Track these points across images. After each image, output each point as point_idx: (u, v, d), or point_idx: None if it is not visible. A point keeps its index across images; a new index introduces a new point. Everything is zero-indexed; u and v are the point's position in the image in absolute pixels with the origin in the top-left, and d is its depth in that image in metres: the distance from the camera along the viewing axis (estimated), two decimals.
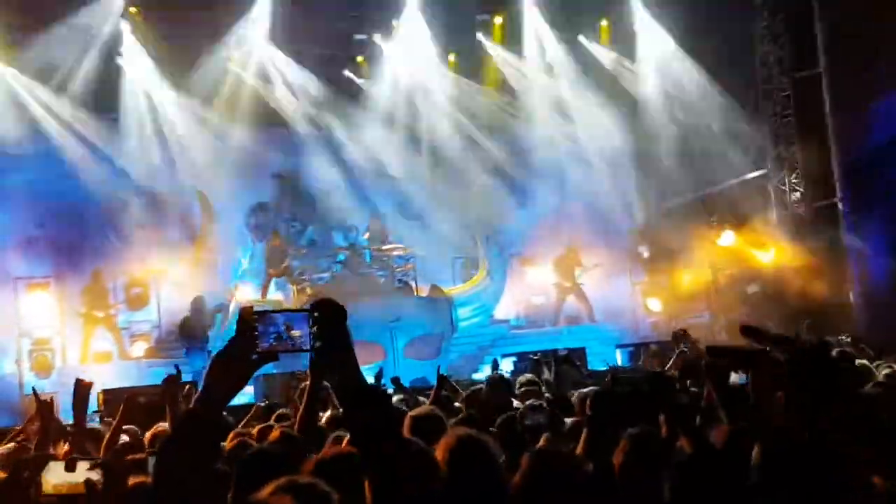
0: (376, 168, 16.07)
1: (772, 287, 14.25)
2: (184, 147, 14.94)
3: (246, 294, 15.30)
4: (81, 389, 4.97)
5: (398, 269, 15.33)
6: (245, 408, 9.23)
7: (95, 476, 3.50)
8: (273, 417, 5.82)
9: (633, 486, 3.00)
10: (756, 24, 15.59)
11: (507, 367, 12.94)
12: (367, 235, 15.85)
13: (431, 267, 15.71)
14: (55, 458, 4.10)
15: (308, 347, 2.04)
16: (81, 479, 3.71)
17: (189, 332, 13.63)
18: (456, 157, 15.99)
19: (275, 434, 4.11)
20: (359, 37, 15.83)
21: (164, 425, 5.41)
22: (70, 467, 3.69)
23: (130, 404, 5.47)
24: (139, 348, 14.56)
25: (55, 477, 3.73)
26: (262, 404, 7.61)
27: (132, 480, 3.21)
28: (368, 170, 16.10)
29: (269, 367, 11.25)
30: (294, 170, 16.47)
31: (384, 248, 15.40)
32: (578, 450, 3.15)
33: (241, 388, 2.08)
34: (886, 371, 5.91)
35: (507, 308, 16.07)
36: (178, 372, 5.06)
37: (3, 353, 13.94)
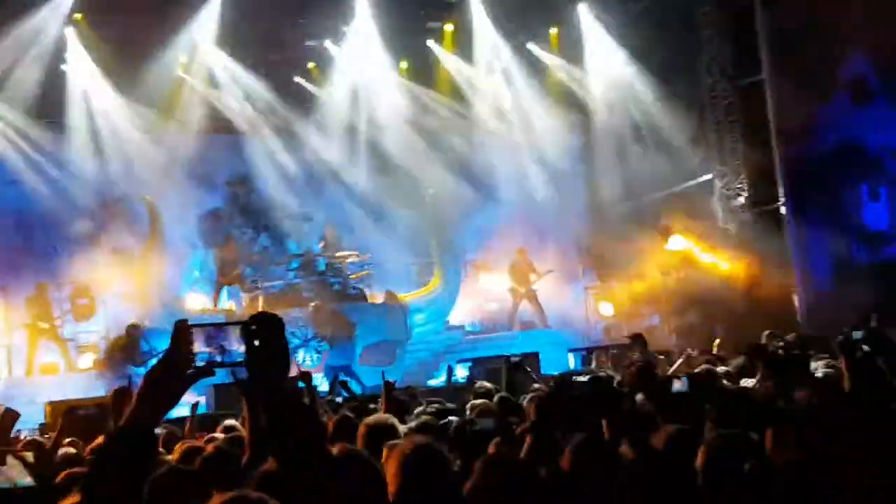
0: (329, 174, 16.05)
1: (718, 290, 14.52)
2: (131, 154, 14.75)
3: (197, 303, 15.13)
4: (8, 418, 4.93)
5: (352, 276, 15.27)
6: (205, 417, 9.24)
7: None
8: (220, 428, 5.82)
9: (580, 490, 3.05)
10: (700, 31, 15.91)
11: (461, 373, 12.95)
12: (322, 244, 15.79)
13: (386, 273, 15.73)
14: None
15: (243, 361, 2.01)
16: (10, 474, 3.67)
17: (118, 360, 12.68)
18: (408, 164, 16.01)
19: (209, 448, 4.14)
20: (309, 43, 15.78)
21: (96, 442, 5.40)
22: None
23: (71, 417, 5.42)
24: (87, 360, 14.25)
25: None
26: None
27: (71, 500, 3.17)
28: (321, 176, 16.05)
29: (222, 377, 11.05)
30: (245, 176, 16.37)
31: (338, 255, 15.28)
32: (523, 455, 3.20)
33: (175, 402, 2.06)
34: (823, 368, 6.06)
35: (462, 314, 16.13)
36: (131, 384, 4.99)
37: None
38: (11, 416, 4.92)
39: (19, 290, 14.13)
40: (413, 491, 2.53)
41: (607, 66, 16.26)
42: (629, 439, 3.22)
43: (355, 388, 11.25)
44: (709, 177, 16.06)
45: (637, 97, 15.87)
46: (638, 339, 8.57)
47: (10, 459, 3.71)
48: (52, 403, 10.24)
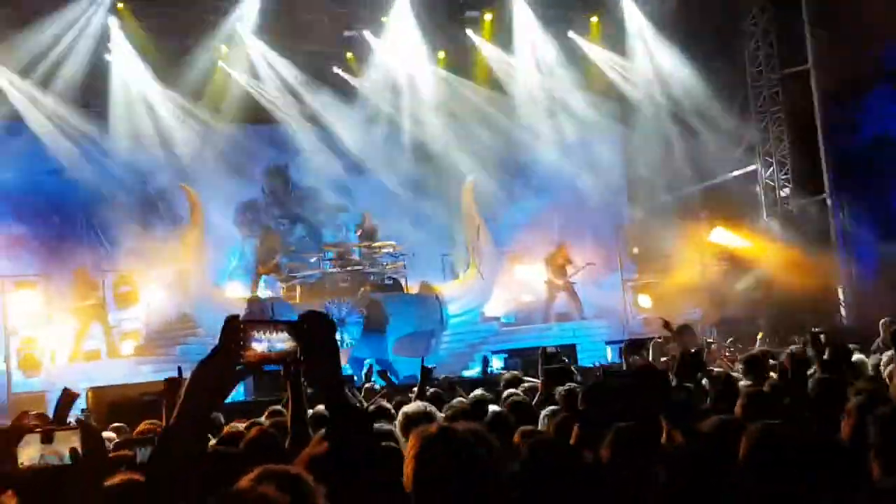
0: (366, 165, 16.13)
1: (761, 282, 14.37)
2: (171, 143, 14.96)
3: (235, 291, 15.31)
4: (67, 397, 5.12)
5: (388, 267, 15.28)
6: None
7: (76, 444, 3.57)
8: (266, 414, 5.89)
9: (622, 477, 3.07)
10: (745, 21, 15.70)
11: (497, 364, 12.98)
12: (358, 233, 15.84)
13: (421, 264, 15.69)
14: (30, 429, 4.16)
15: (292, 360, 2.04)
16: (59, 451, 3.77)
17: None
18: (446, 154, 16.03)
19: (253, 432, 4.17)
20: (348, 33, 15.85)
21: (150, 423, 5.55)
22: (46, 439, 3.75)
23: (124, 402, 5.54)
24: (127, 346, 14.51)
25: (32, 450, 3.80)
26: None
27: (119, 477, 3.21)
28: (358, 166, 16.13)
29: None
30: (283, 167, 16.54)
31: (374, 245, 15.30)
32: (572, 441, 3.23)
33: (224, 399, 2.09)
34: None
35: (497, 305, 16.03)
36: (181, 373, 5.12)
37: None
38: (71, 396, 5.06)
39: (62, 279, 14.39)
40: (427, 475, 2.53)
41: (649, 55, 16.12)
42: (674, 428, 3.23)
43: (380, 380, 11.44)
44: (752, 168, 15.87)
45: (679, 87, 15.71)
46: (685, 331, 8.45)
47: (58, 436, 3.81)
48: (93, 389, 10.40)
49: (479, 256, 15.23)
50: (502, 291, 16.04)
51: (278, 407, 6.02)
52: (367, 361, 12.06)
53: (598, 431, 3.22)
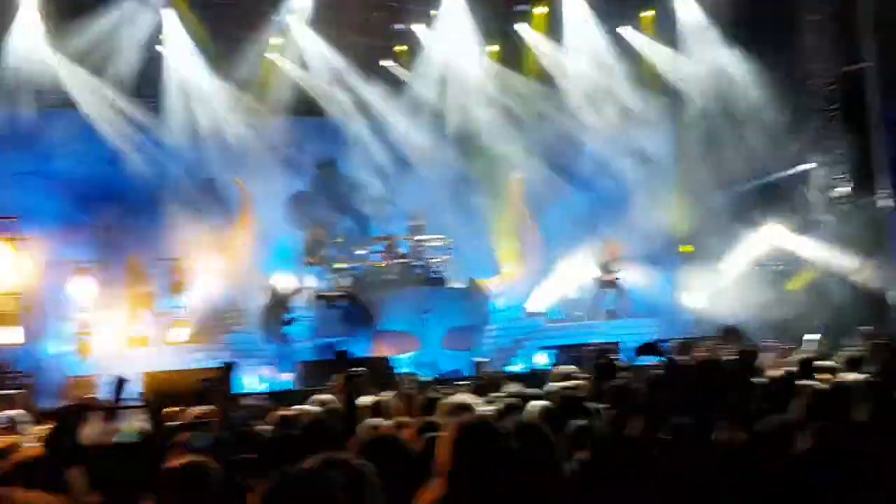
0: (414, 157, 16.19)
1: (814, 283, 14.15)
2: (224, 135, 15.15)
3: (284, 282, 15.52)
4: (121, 382, 5.37)
5: (435, 260, 15.33)
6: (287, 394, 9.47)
7: (140, 423, 3.71)
8: (315, 402, 6.01)
9: (680, 469, 3.15)
10: (802, 17, 15.44)
11: (542, 360, 13.19)
12: (405, 226, 15.91)
13: (468, 258, 15.71)
14: (96, 406, 4.36)
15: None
16: (124, 428, 3.93)
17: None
18: (494, 148, 16.04)
19: (307, 417, 4.52)
20: (398, 26, 15.93)
21: (197, 410, 5.73)
22: (111, 416, 3.91)
23: (177, 387, 5.69)
24: (177, 333, 14.74)
25: (97, 427, 3.98)
26: None
27: (180, 460, 3.36)
28: (407, 159, 16.23)
29: (308, 355, 11.47)
30: (332, 159, 16.66)
31: (421, 238, 15.37)
32: (637, 434, 3.25)
33: None
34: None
35: (543, 301, 16.06)
36: (232, 362, 5.27)
37: (49, 336, 14.32)
38: (124, 381, 5.35)
39: (117, 266, 14.73)
40: (459, 463, 2.63)
41: (702, 51, 15.94)
42: (732, 426, 3.25)
43: (426, 373, 11.63)
44: (806, 166, 15.61)
45: (733, 82, 15.51)
46: (732, 333, 8.40)
47: (122, 415, 3.97)
48: (148, 374, 10.66)
49: (525, 251, 15.21)
50: (548, 287, 16.00)
51: (322, 396, 6.18)
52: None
53: (658, 426, 3.28)
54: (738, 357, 4.86)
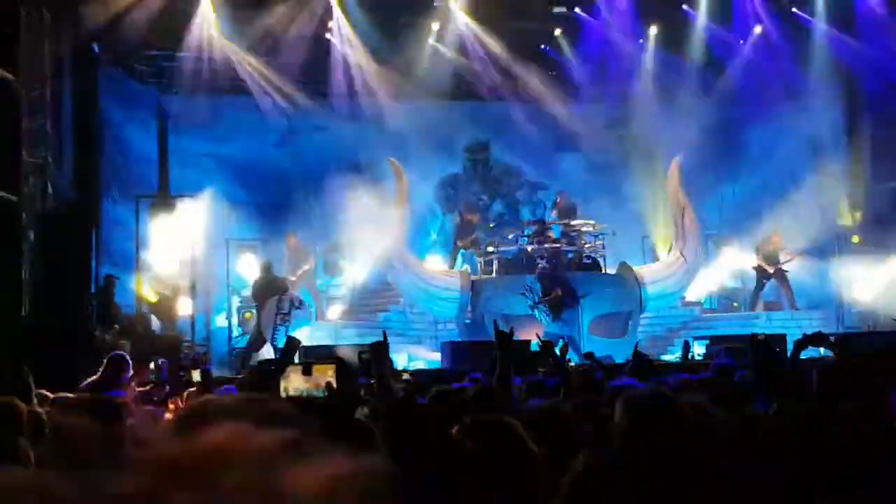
0: (569, 142, 16.20)
1: None
2: (382, 118, 15.63)
3: (436, 263, 15.91)
4: (292, 344, 5.74)
5: (587, 246, 15.20)
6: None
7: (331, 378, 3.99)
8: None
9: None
10: None
11: (698, 350, 12.83)
12: (554, 213, 15.90)
13: (621, 245, 15.54)
14: (294, 363, 4.72)
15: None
16: (319, 382, 4.23)
17: None
18: (653, 132, 15.76)
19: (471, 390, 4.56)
20: (558, 10, 15.90)
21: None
22: (307, 371, 4.18)
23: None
24: (334, 311, 15.47)
25: (296, 381, 4.29)
26: None
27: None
28: (561, 144, 16.24)
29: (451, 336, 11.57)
30: (485, 143, 16.86)
31: (573, 223, 15.28)
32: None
33: None
34: None
35: (700, 290, 15.74)
36: (385, 336, 5.53)
37: (216, 309, 15.28)
38: (295, 343, 5.81)
39: (277, 244, 15.53)
40: (636, 433, 2.66)
41: (881, 33, 15.03)
42: None
43: (573, 357, 11.25)
44: None
45: None
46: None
47: (316, 370, 4.29)
48: (305, 348, 11.19)
49: (682, 238, 14.89)
50: (705, 276, 15.66)
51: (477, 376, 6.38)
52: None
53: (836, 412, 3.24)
54: None
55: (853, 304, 15.10)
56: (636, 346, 7.05)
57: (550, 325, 13.37)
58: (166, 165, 15.41)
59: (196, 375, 6.94)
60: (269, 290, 13.74)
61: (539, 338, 6.58)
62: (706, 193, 16.06)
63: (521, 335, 12.93)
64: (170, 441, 1.16)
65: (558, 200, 15.95)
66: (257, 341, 13.50)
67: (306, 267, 15.15)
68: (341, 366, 3.66)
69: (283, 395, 4.41)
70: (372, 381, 6.04)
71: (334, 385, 3.61)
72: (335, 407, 3.74)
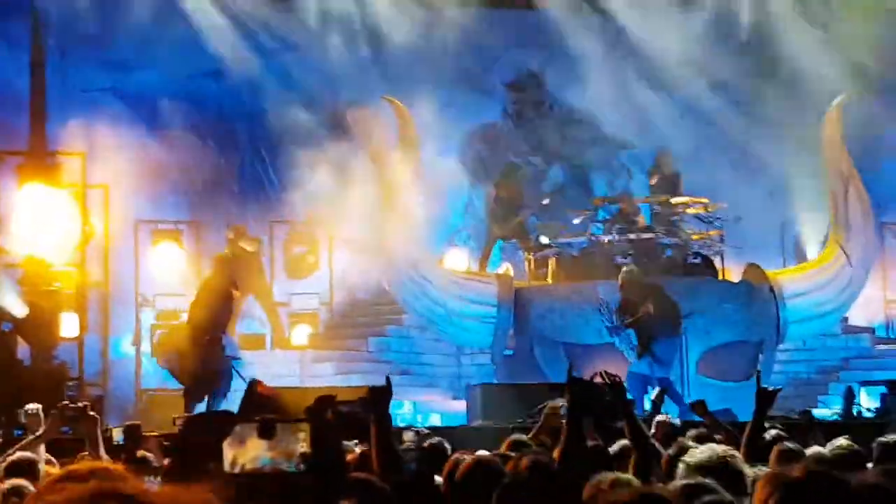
0: (672, 75, 15.75)
1: None
2: (382, 39, 15.41)
3: (460, 262, 15.74)
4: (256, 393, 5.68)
5: (696, 236, 15.23)
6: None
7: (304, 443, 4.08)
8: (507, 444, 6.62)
9: None
10: None
11: (868, 402, 13.17)
12: (652, 182, 15.96)
13: (749, 234, 15.50)
14: (249, 419, 4.69)
15: None
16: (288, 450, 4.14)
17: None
18: (801, 67, 15.55)
19: (525, 463, 4.92)
20: None
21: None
22: (266, 433, 4.24)
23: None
24: (301, 334, 15.40)
25: (253, 449, 4.32)
26: None
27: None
28: (659, 77, 15.84)
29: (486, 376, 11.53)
30: (538, 74, 16.77)
31: (675, 201, 15.27)
32: None
33: None
34: None
35: (870, 308, 15.99)
36: (389, 383, 5.49)
37: (119, 328, 15.02)
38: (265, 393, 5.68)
39: (218, 227, 15.47)
40: None
41: None
42: None
43: (671, 410, 11.75)
44: None
45: None
46: None
47: (282, 430, 4.28)
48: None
49: (845, 226, 14.93)
50: (881, 286, 15.91)
51: (521, 437, 6.90)
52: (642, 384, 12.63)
53: None
54: None
55: None
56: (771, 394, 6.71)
57: (639, 362, 13.22)
58: (42, 105, 14.97)
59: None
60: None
61: (606, 377, 6.37)
62: (883, 157, 16.21)
63: (588, 373, 12.66)
64: None
65: (657, 167, 15.97)
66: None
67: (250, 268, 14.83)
68: (318, 423, 3.70)
69: (229, 470, 4.39)
70: (363, 449, 5.80)
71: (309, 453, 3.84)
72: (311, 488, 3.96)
